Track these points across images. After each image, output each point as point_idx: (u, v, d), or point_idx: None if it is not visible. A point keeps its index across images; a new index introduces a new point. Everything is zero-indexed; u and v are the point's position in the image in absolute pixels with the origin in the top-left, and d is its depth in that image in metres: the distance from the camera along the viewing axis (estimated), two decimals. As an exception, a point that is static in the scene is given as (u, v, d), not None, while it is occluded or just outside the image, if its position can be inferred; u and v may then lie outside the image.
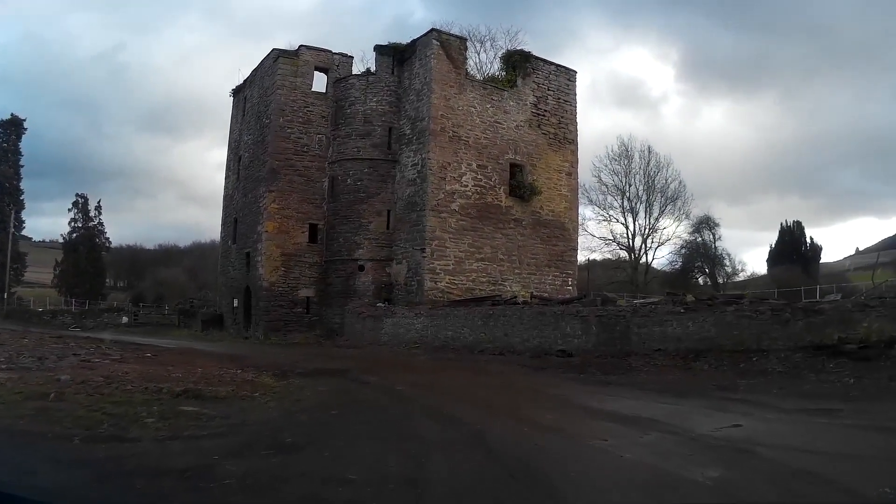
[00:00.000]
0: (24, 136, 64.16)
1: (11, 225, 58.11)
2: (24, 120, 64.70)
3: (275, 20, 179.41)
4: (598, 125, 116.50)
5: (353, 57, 37.26)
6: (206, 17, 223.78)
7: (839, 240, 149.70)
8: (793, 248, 66.88)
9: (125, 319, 49.40)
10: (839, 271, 70.35)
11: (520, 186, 34.69)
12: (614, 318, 20.47)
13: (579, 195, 39.74)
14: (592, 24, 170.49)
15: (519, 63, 36.11)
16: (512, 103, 35.20)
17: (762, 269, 73.80)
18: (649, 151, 61.21)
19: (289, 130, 35.05)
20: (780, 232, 69.79)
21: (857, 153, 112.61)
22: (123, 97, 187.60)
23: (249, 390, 12.54)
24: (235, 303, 38.28)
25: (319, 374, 16.78)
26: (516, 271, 34.35)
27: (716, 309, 18.31)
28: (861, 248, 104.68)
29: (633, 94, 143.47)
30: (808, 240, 68.79)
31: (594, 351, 19.96)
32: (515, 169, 34.97)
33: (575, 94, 38.58)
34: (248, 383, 13.63)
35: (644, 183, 60.44)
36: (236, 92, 42.53)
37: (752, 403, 11.24)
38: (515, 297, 29.44)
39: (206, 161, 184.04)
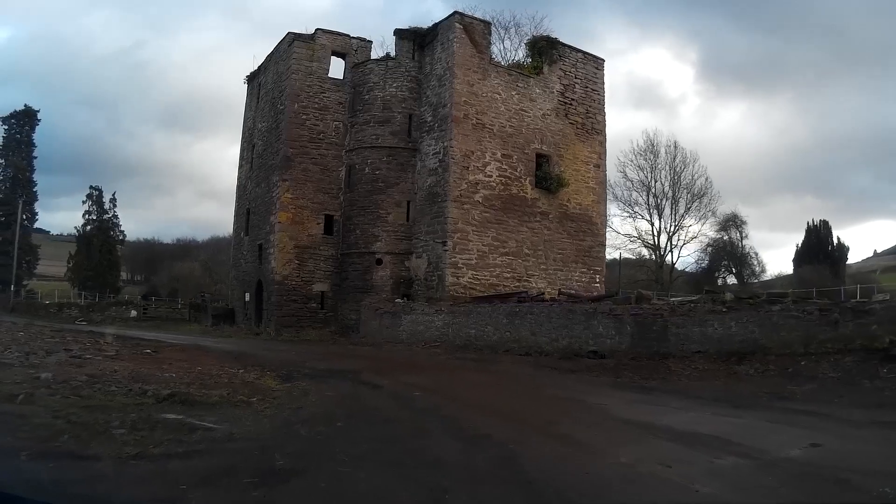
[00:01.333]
0: (38, 128, 63.53)
1: (20, 216, 57.06)
2: (38, 111, 63.86)
3: (293, 20, 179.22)
4: (615, 126, 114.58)
5: (371, 42, 35.78)
6: (225, 16, 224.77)
7: (855, 242, 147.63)
8: (819, 248, 65.66)
9: (134, 313, 48.11)
10: (865, 272, 69.24)
11: (546, 178, 33.00)
12: (650, 318, 19.23)
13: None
14: (608, 25, 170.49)
15: (545, 49, 34.42)
16: (538, 91, 33.52)
17: (781, 269, 74.60)
18: (675, 146, 60.11)
19: (304, 117, 33.53)
20: (806, 231, 68.94)
21: (870, 155, 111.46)
22: (143, 94, 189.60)
23: (246, 395, 11.15)
24: (247, 297, 36.91)
25: (328, 376, 15.26)
26: (542, 267, 32.67)
27: (760, 308, 17.12)
28: (879, 251, 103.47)
29: (649, 95, 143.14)
30: (836, 240, 67.87)
31: (628, 352, 18.81)
32: (542, 159, 33.30)
33: (603, 84, 36.98)
34: (246, 386, 12.27)
35: (670, 179, 59.14)
36: (251, 79, 41.12)
37: (818, 415, 10.23)
38: (542, 293, 27.84)
39: (226, 157, 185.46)
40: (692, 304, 19.75)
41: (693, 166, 59.19)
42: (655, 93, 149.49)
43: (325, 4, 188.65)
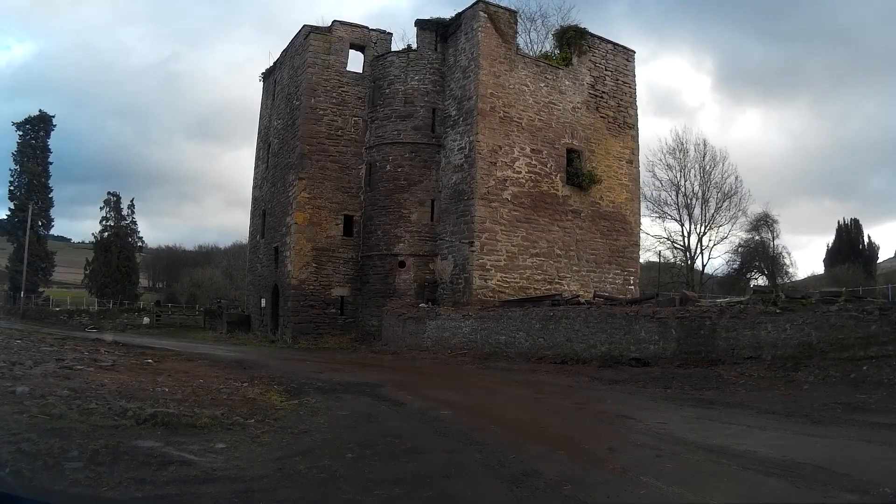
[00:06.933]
0: (59, 136, 62.83)
1: (29, 221, 55.97)
2: (53, 117, 62.55)
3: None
4: (639, 130, 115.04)
5: (391, 34, 34.40)
6: (257, 29, 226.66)
7: (885, 241, 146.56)
8: (850, 247, 65.44)
9: (146, 320, 47.03)
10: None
11: (577, 174, 31.33)
12: (697, 321, 17.77)
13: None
14: (627, 34, 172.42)
15: (574, 40, 32.82)
16: (567, 83, 31.86)
17: (811, 269, 74.32)
18: (705, 145, 58.83)
19: (321, 112, 32.04)
20: (837, 231, 68.75)
21: (887, 158, 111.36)
22: (174, 106, 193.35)
23: (244, 414, 9.57)
24: (263, 303, 35.59)
25: (343, 390, 13.59)
26: (574, 268, 30.93)
27: (816, 309, 15.87)
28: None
29: (669, 104, 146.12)
30: (866, 239, 67.26)
31: (673, 359, 17.48)
32: (573, 155, 31.67)
33: (634, 76, 35.42)
34: (246, 403, 10.69)
35: (700, 178, 57.71)
36: (266, 76, 39.88)
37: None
38: (577, 296, 26.07)
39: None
40: (742, 306, 18.18)
41: (723, 164, 57.80)
42: (675, 101, 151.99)
43: (356, 18, 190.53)
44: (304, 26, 33.35)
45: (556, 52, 33.12)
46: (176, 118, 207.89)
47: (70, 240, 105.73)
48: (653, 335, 18.49)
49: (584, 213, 31.69)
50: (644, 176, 53.49)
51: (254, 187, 40.75)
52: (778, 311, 16.36)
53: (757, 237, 62.57)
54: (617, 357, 18.80)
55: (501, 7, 31.01)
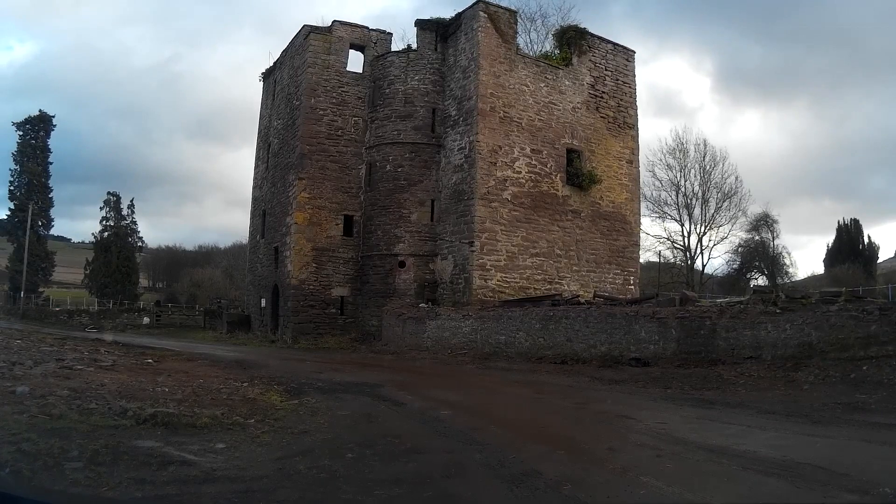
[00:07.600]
0: (58, 136, 62.63)
1: (29, 221, 55.90)
2: (53, 117, 62.46)
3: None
4: (640, 131, 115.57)
5: (391, 34, 34.39)
6: (257, 29, 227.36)
7: (885, 241, 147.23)
8: (850, 247, 65.39)
9: (146, 320, 47.12)
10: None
11: (577, 174, 31.29)
12: (697, 321, 17.69)
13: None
14: (627, 35, 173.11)
15: (574, 40, 32.77)
16: (567, 83, 31.83)
17: (811, 269, 74.21)
18: (705, 145, 58.71)
19: (321, 112, 32.05)
20: (837, 230, 68.66)
21: (887, 158, 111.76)
22: (175, 106, 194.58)
23: (244, 414, 9.55)
24: (263, 302, 35.58)
25: (343, 390, 13.58)
26: (574, 268, 30.92)
27: (816, 309, 15.77)
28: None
29: (669, 104, 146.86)
30: (866, 239, 67.16)
31: (673, 359, 17.41)
32: (572, 155, 31.64)
33: (634, 76, 35.36)
34: (246, 403, 10.67)
35: (700, 178, 57.66)
36: (266, 76, 39.89)
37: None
38: (577, 296, 26.04)
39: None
40: (742, 306, 18.13)
41: (723, 165, 57.79)
42: (675, 101, 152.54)
43: (356, 20, 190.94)
44: (304, 26, 33.34)
45: (556, 52, 33.06)
46: (176, 118, 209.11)
47: (70, 240, 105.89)
48: (653, 335, 18.43)
49: (584, 213, 31.66)
50: (644, 176, 53.46)
51: (254, 187, 40.71)
52: (778, 311, 16.31)
53: (757, 237, 62.61)
54: (617, 357, 18.73)
55: (501, 7, 30.96)
